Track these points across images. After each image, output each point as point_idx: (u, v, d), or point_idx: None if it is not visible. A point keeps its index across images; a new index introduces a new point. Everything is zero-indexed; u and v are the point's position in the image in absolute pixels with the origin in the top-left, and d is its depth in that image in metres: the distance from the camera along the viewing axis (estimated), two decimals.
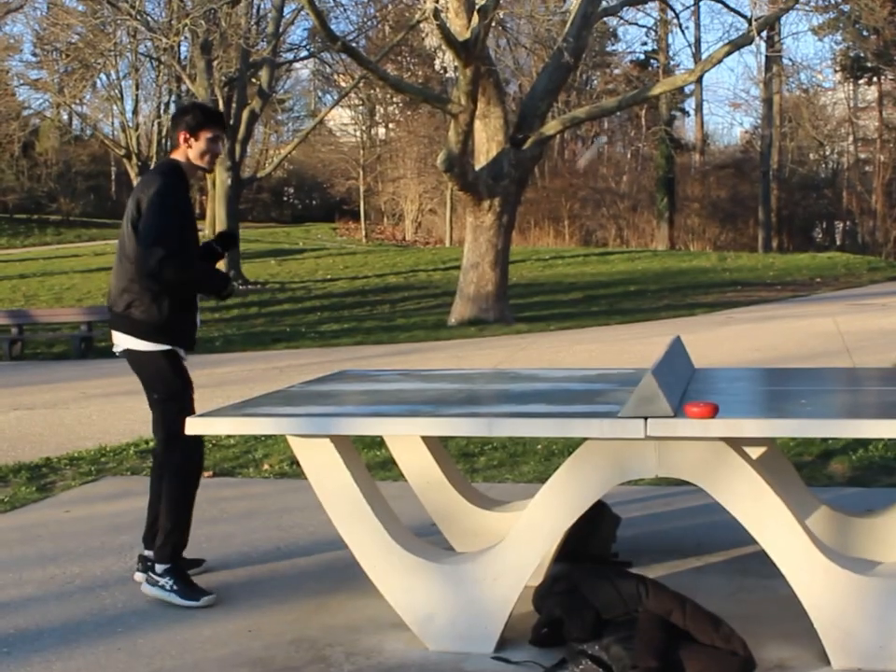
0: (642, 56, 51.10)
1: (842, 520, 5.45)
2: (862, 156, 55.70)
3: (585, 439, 4.37)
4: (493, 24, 21.59)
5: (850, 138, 56.43)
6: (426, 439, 5.57)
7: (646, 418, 4.04)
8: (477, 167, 20.89)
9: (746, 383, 5.52)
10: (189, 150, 5.32)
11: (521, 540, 4.42)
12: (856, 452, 8.03)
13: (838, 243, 51.94)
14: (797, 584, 4.23)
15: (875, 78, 54.37)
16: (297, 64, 41.60)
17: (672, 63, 47.03)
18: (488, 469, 8.09)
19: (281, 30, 31.97)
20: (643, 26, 46.51)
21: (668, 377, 4.45)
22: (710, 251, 41.20)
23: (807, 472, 7.45)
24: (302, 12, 26.94)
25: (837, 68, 53.43)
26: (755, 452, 5.35)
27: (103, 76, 44.37)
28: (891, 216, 47.89)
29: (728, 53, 22.02)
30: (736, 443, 4.32)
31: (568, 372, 5.97)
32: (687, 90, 46.61)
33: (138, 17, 25.28)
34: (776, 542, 4.23)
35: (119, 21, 27.28)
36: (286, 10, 30.87)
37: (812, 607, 4.21)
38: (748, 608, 4.87)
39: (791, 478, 5.51)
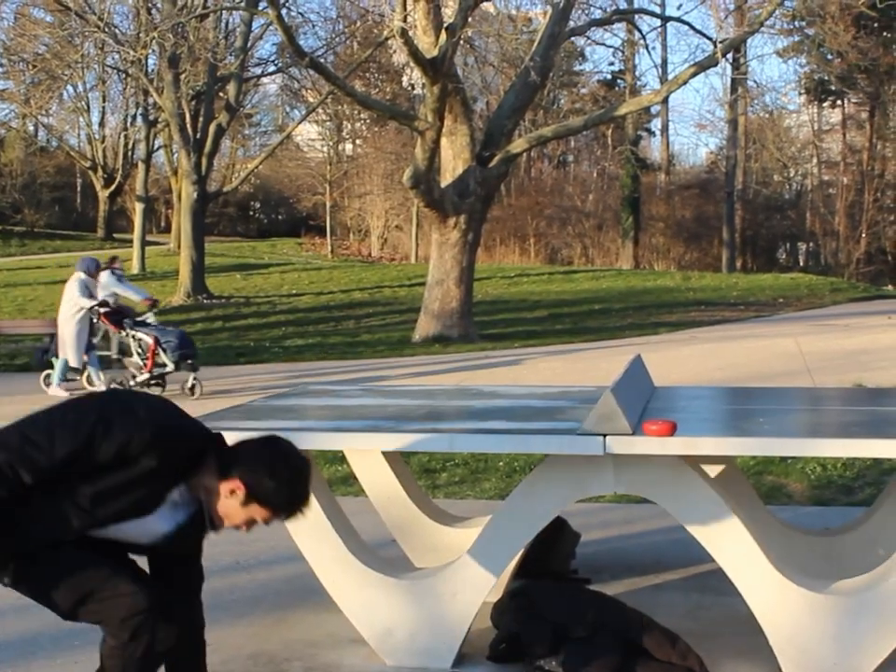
0: (609, 76, 51.36)
1: (800, 538, 5.50)
2: (826, 178, 56.14)
3: (546, 455, 4.39)
4: (461, 42, 21.68)
5: (814, 160, 56.88)
6: (386, 454, 5.58)
7: (605, 435, 4.07)
8: (443, 184, 20.93)
9: (706, 401, 5.57)
10: (226, 501, 3.31)
11: (480, 556, 4.44)
12: (815, 471, 8.09)
13: (801, 263, 52.32)
14: (753, 602, 4.26)
15: (838, 101, 54.85)
16: (265, 79, 41.67)
17: (639, 83, 47.20)
18: (450, 485, 8.11)
19: (249, 44, 31.94)
20: (610, 46, 46.78)
21: (628, 395, 4.49)
22: (675, 270, 41.38)
23: (766, 491, 7.50)
24: (271, 27, 26.96)
25: (802, 91, 53.90)
26: (714, 470, 5.39)
27: (69, 87, 44.34)
28: (854, 237, 48.28)
29: (694, 74, 22.17)
30: (695, 461, 4.36)
31: (530, 390, 5.99)
32: (653, 110, 46.84)
33: (106, 29, 25.16)
34: (732, 560, 4.27)
35: (86, 33, 27.16)
36: (254, 25, 30.83)
37: (768, 624, 4.25)
38: (705, 625, 4.91)
39: (749, 496, 5.55)
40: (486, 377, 14.67)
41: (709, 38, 24.10)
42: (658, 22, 29.29)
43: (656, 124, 54.08)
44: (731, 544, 4.26)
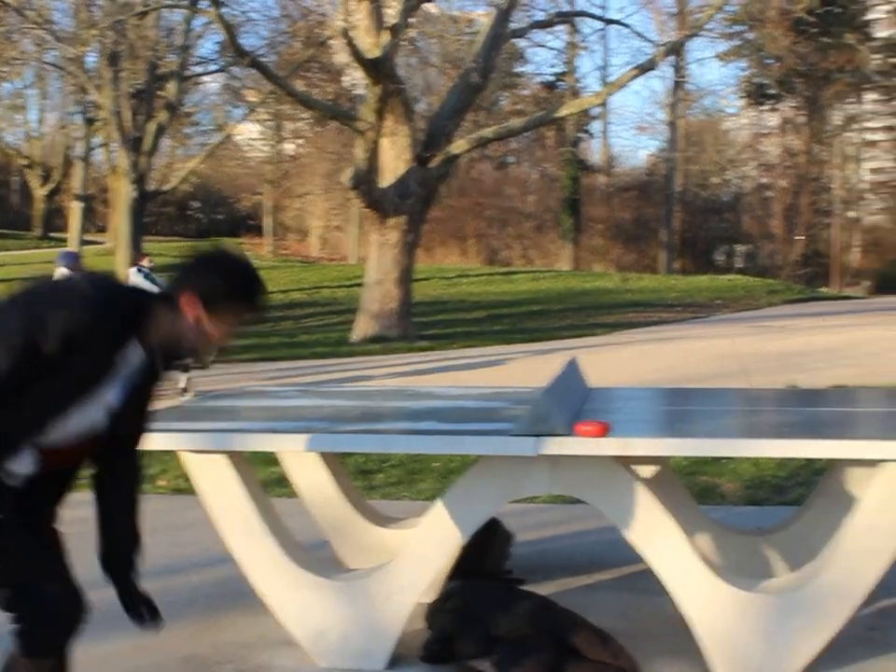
0: (551, 78, 51.51)
1: (731, 538, 5.55)
2: (764, 181, 56.71)
3: (479, 457, 4.40)
4: (403, 43, 21.67)
5: (752, 163, 57.43)
6: (321, 455, 5.57)
7: (538, 436, 4.08)
8: (384, 185, 20.92)
9: (641, 402, 5.61)
10: (188, 325, 3.18)
11: (414, 557, 4.44)
12: (748, 471, 8.17)
13: (738, 265, 52.77)
14: (683, 601, 4.30)
15: (777, 105, 55.40)
16: (206, 78, 41.33)
17: (580, 85, 47.44)
18: (386, 486, 8.10)
19: (190, 43, 31.75)
20: (552, 49, 46.86)
21: (562, 396, 4.51)
22: (614, 272, 41.61)
23: (700, 491, 7.56)
24: (212, 25, 26.79)
25: (741, 94, 54.40)
26: (648, 470, 5.42)
27: (7, 84, 43.74)
28: (790, 240, 48.79)
29: (634, 77, 22.35)
30: (628, 462, 4.39)
31: (465, 390, 6.01)
32: (594, 112, 47.05)
33: (45, 26, 24.94)
34: (663, 560, 4.30)
35: (25, 30, 26.88)
36: (195, 23, 30.67)
37: (698, 623, 4.28)
38: (638, 624, 4.93)
39: (682, 497, 5.59)
40: (424, 377, 14.68)
41: (650, 41, 24.30)
42: (600, 25, 29.48)
43: (597, 126, 54.37)
44: (662, 544, 4.29)
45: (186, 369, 14.11)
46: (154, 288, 14.72)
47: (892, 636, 4.77)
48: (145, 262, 16.45)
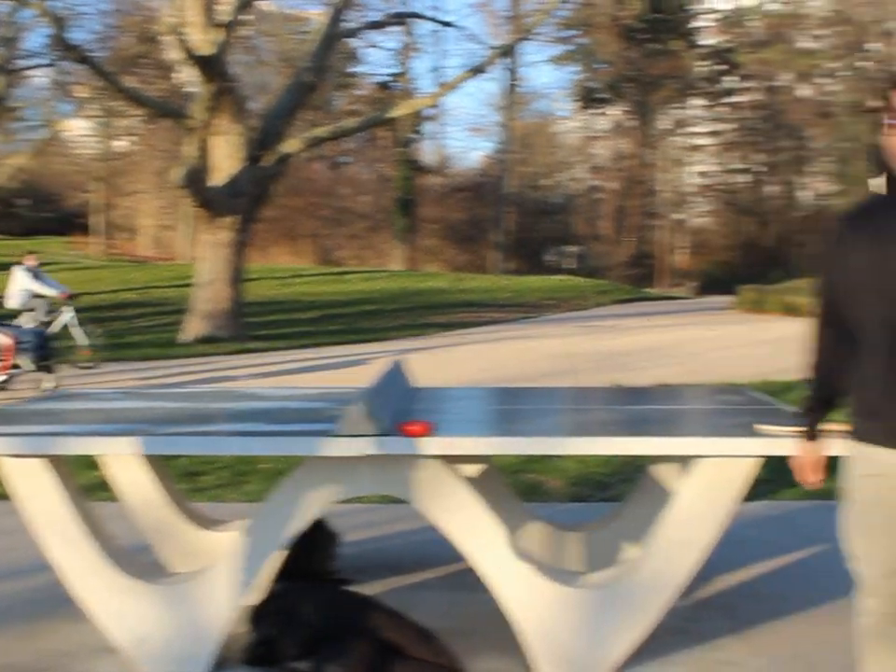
0: (386, 78, 51.59)
1: (555, 534, 5.64)
2: (594, 183, 57.77)
3: (305, 457, 4.39)
4: (237, 41, 21.45)
5: (584, 166, 58.44)
6: (144, 458, 5.48)
7: (362, 436, 4.09)
8: (215, 183, 20.69)
9: (468, 402, 5.65)
10: None
11: (237, 560, 4.40)
12: (574, 468, 8.31)
13: (569, 266, 53.61)
14: (505, 598, 4.35)
15: (607, 109, 56.50)
16: (34, 72, 40.26)
17: (414, 86, 47.66)
18: (214, 488, 8.01)
19: (16, 36, 30.89)
20: (387, 49, 46.94)
21: (386, 396, 4.53)
22: (447, 272, 41.89)
23: (526, 488, 7.67)
24: (41, 18, 26.12)
25: (573, 98, 55.34)
26: (473, 469, 5.48)
27: None
28: (619, 241, 49.77)
29: (467, 79, 22.54)
30: (452, 461, 4.42)
31: (292, 391, 5.98)
32: (428, 113, 47.31)
33: None
34: (484, 558, 4.35)
35: None
36: (22, 16, 29.87)
37: (520, 619, 4.34)
38: (463, 621, 4.98)
39: (506, 495, 5.66)
40: (254, 378, 14.56)
41: (483, 43, 24.54)
42: (434, 27, 29.65)
43: (432, 127, 54.68)
44: (483, 542, 4.33)
45: (51, 370, 13.74)
46: (43, 287, 14.28)
47: (709, 626, 4.91)
48: (31, 261, 16.12)
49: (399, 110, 24.00)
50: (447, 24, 28.73)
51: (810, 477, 3.55)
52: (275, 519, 4.40)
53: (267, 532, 4.41)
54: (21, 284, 15.88)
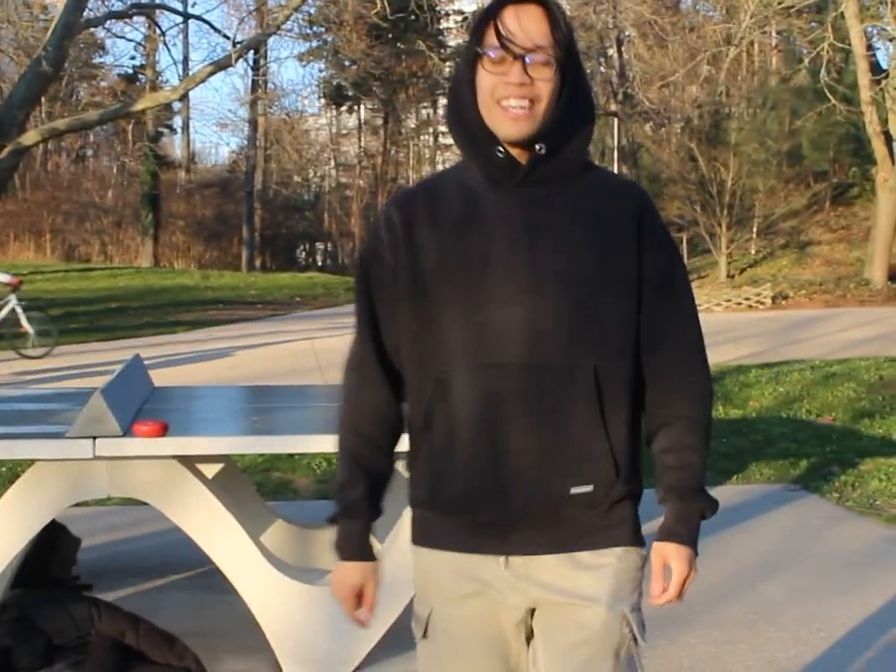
0: (130, 70, 50.44)
1: (298, 532, 5.63)
2: (343, 180, 57.99)
3: (36, 460, 4.25)
4: None
5: (332, 163, 58.58)
6: None
7: (94, 438, 3.99)
8: None
9: (208, 400, 5.58)
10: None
11: None
12: (320, 466, 8.33)
13: (319, 263, 53.67)
14: (248, 597, 4.32)
15: (355, 107, 56.79)
16: None
17: (161, 79, 46.74)
18: None
19: None
20: (131, 40, 45.85)
21: (120, 396, 4.42)
22: (195, 269, 41.29)
23: (274, 487, 7.64)
24: None
25: (321, 95, 55.36)
26: (212, 469, 5.41)
27: None
28: None
29: (212, 73, 22.26)
30: (189, 461, 4.35)
31: (24, 392, 5.79)
32: (174, 107, 46.49)
33: None
34: (227, 558, 4.30)
35: None
36: None
37: (264, 618, 4.32)
38: (208, 623, 4.93)
39: (248, 494, 5.61)
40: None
41: (228, 38, 24.23)
42: (180, 19, 29.15)
43: (178, 121, 53.75)
44: (225, 543, 4.29)
45: None
46: None
47: None
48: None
49: (143, 103, 23.54)
50: (191, 17, 28.37)
51: (354, 612, 2.35)
52: (8, 524, 4.25)
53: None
54: None
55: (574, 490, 2.11)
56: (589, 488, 2.12)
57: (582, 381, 2.09)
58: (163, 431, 4.03)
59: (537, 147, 2.10)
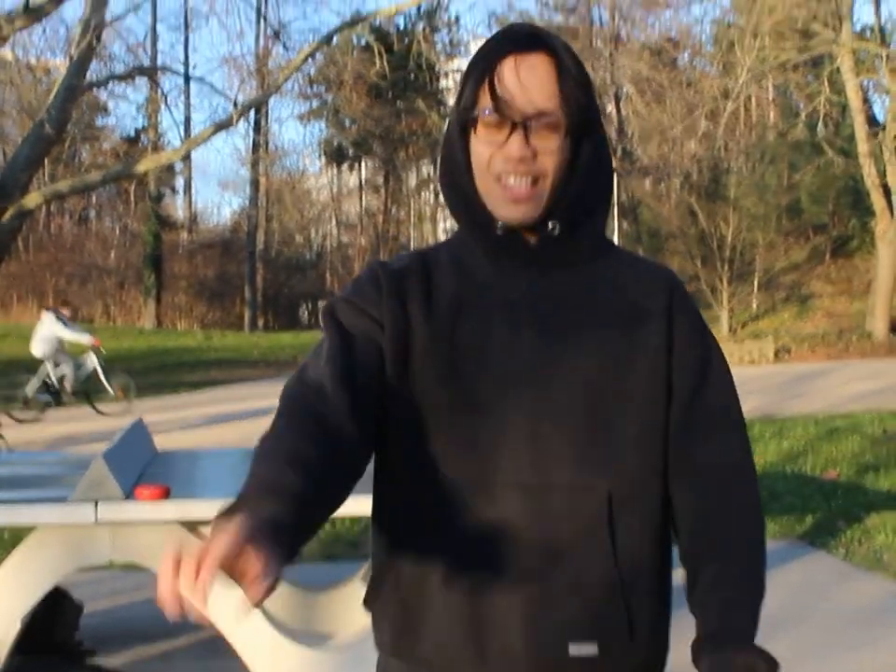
0: (133, 132, 50.80)
1: (305, 596, 5.59)
2: (344, 239, 58.20)
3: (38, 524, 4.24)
4: None
5: (333, 222, 58.82)
6: None
7: (96, 502, 3.97)
8: None
9: (210, 464, 5.56)
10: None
11: None
12: (325, 528, 8.28)
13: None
14: (253, 662, 4.29)
15: (356, 165, 57.11)
16: None
17: (163, 140, 47.05)
18: None
19: None
20: (134, 102, 46.27)
21: (122, 460, 4.41)
22: (197, 329, 41.35)
23: None
24: None
25: (321, 154, 55.71)
26: None
27: None
28: None
29: (213, 134, 22.39)
30: (193, 525, 4.33)
31: (26, 456, 5.78)
32: (176, 167, 46.75)
33: None
34: (230, 623, 4.27)
35: None
36: None
37: None
38: None
39: None
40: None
41: (228, 98, 24.44)
42: (181, 80, 29.39)
43: (180, 182, 54.05)
44: (228, 607, 4.26)
45: None
46: (73, 335, 13.99)
47: None
48: (64, 309, 16.10)
49: (145, 164, 23.62)
50: (194, 79, 28.60)
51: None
52: (10, 589, 4.22)
53: (2, 603, 4.22)
54: (51, 330, 15.73)
55: (574, 650, 1.67)
56: (593, 649, 1.68)
57: (592, 507, 1.68)
58: (165, 495, 4.01)
59: (549, 224, 1.73)
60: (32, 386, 16.58)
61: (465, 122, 1.74)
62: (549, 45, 1.71)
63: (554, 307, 1.74)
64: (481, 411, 1.68)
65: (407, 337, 1.71)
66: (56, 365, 16.60)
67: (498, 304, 1.73)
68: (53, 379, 16.57)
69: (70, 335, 16.63)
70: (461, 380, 1.70)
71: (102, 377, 17.07)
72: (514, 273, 1.76)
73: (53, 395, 16.61)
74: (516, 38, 1.72)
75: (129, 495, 4.06)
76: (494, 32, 1.79)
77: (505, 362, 1.70)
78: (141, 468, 4.90)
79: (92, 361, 16.94)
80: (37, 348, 16.55)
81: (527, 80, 1.68)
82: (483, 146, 1.72)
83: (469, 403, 1.69)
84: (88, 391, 16.92)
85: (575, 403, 1.69)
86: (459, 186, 1.79)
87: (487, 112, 1.69)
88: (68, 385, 16.60)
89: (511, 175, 1.69)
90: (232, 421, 15.89)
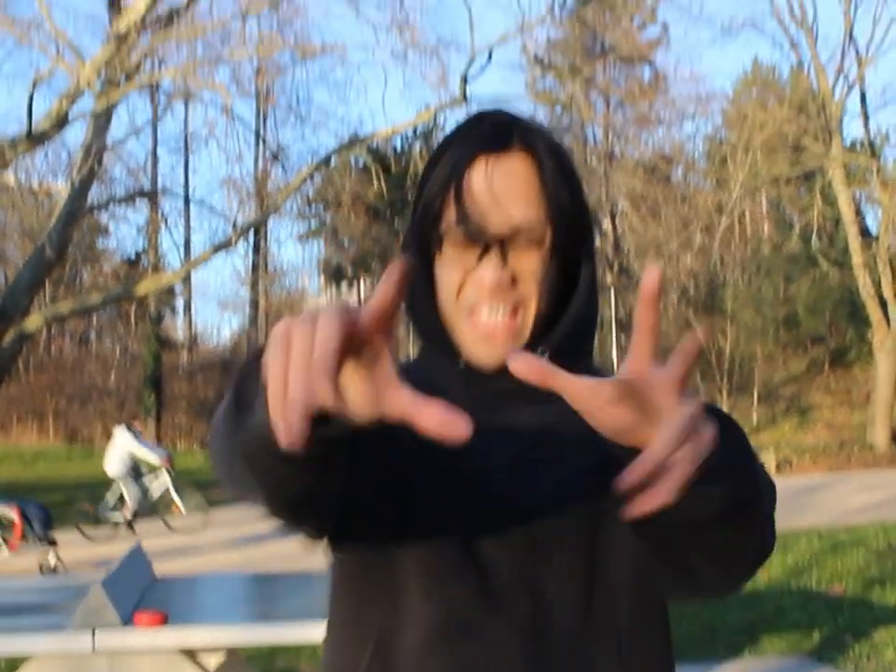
0: (133, 253, 51.22)
1: None
2: None
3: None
4: None
5: None
6: None
7: (94, 629, 3.93)
8: None
9: (210, 589, 5.52)
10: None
11: None
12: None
13: None
14: None
15: (356, 283, 57.49)
16: None
17: (163, 261, 47.43)
18: None
19: None
20: (134, 224, 46.74)
21: (121, 586, 4.37)
22: (197, 449, 41.27)
23: None
24: None
25: (320, 273, 56.13)
26: (215, 659, 5.31)
27: None
28: None
29: (212, 255, 22.58)
30: (191, 653, 4.28)
31: (25, 584, 5.73)
32: (176, 289, 47.08)
33: None
34: None
35: None
36: None
37: None
38: None
39: None
40: None
41: (229, 220, 24.73)
42: (181, 202, 29.75)
43: (180, 303, 54.34)
44: None
45: (53, 544, 13.24)
46: (144, 451, 14.03)
47: None
48: (136, 423, 16.17)
49: (146, 286, 23.78)
50: (194, 201, 28.98)
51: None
52: None
53: None
54: (124, 446, 15.73)
55: None
56: None
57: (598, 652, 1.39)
58: (163, 621, 3.97)
59: (539, 350, 1.38)
60: (105, 505, 16.59)
61: (426, 239, 1.40)
62: (526, 142, 1.39)
63: (534, 437, 1.42)
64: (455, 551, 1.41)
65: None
66: (131, 482, 16.53)
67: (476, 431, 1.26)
68: (128, 499, 16.49)
69: (143, 453, 16.61)
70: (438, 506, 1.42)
71: (174, 495, 17.11)
72: (492, 403, 1.41)
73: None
74: (486, 136, 1.38)
75: (127, 621, 4.01)
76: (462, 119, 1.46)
77: (487, 494, 1.40)
78: (139, 594, 4.86)
79: (164, 482, 16.97)
80: (112, 467, 16.52)
81: (502, 190, 1.35)
82: (448, 270, 1.39)
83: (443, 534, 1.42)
84: (157, 506, 17.05)
85: (567, 541, 1.42)
86: (422, 317, 1.46)
87: (455, 229, 1.36)
88: (131, 506, 16.53)
89: (483, 304, 1.37)
90: (230, 544, 15.78)
